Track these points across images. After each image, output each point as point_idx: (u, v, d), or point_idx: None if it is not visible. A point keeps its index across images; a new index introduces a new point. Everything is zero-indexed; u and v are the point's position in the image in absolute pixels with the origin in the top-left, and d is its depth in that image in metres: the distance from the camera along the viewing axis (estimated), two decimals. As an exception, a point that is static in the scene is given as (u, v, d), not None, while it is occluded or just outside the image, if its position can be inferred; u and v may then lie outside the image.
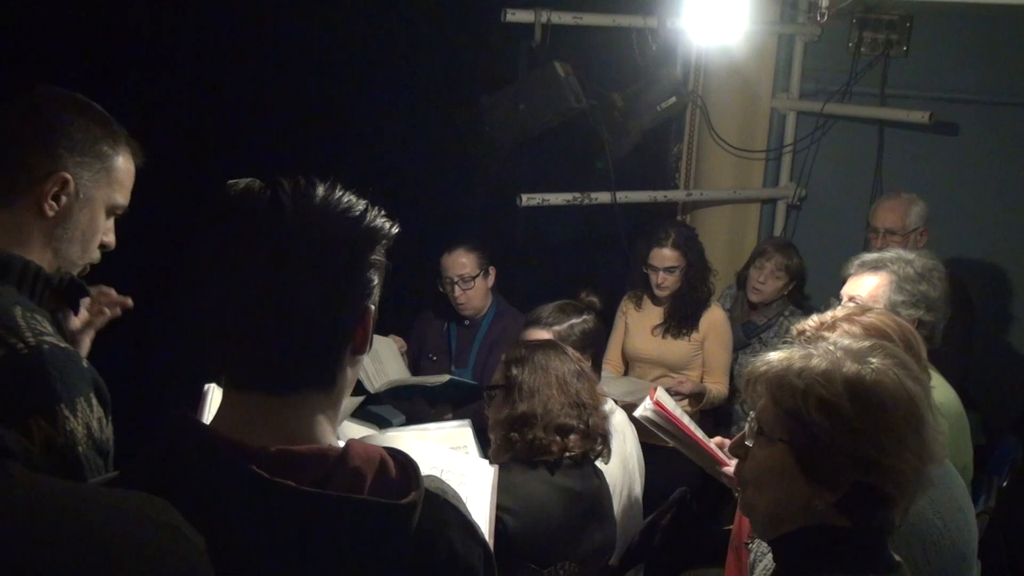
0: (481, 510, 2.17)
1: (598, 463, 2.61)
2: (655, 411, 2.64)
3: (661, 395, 2.72)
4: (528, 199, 4.37)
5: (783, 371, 1.51)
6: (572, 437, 2.47)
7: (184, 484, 1.09)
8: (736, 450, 1.62)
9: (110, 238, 1.69)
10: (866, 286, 2.70)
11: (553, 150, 4.55)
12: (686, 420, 2.72)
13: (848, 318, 2.12)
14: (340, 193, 1.16)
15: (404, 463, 1.18)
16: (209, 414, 1.19)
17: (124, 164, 1.66)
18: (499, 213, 4.59)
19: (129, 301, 1.92)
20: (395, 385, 3.62)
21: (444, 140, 4.53)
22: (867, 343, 1.54)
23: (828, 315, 2.18)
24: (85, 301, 1.75)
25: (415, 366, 4.07)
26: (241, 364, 1.15)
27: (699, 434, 2.65)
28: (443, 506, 1.21)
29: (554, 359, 2.55)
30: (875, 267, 2.72)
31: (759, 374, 1.55)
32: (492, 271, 4.03)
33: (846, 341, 1.54)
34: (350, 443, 1.17)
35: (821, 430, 1.45)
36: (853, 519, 1.48)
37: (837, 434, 1.44)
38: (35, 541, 0.88)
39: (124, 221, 1.73)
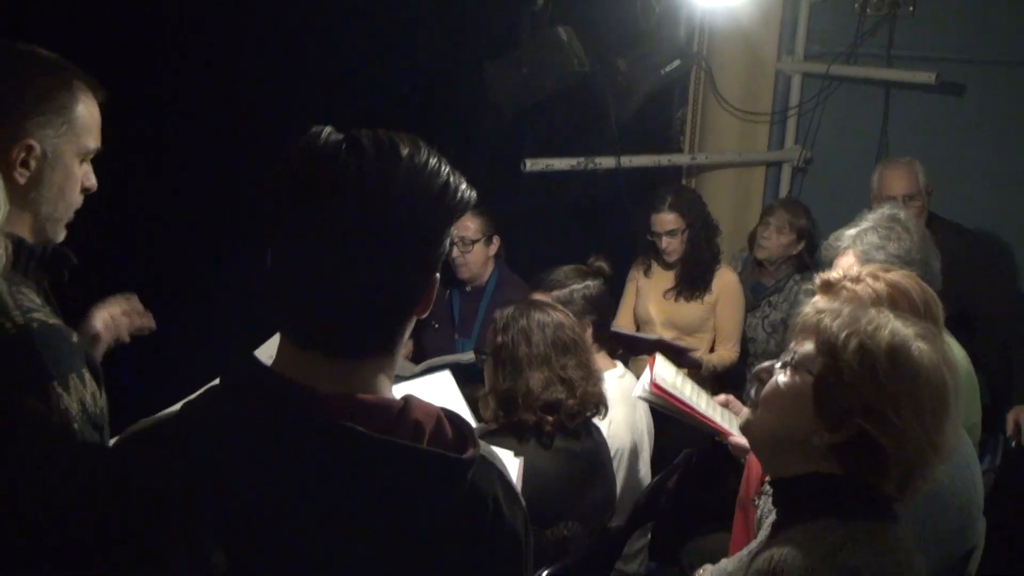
0: None
1: (596, 420, 2.62)
2: (652, 393, 2.65)
3: (659, 371, 2.71)
4: (532, 164, 4.36)
5: (833, 315, 1.56)
6: (563, 410, 2.45)
7: (252, 424, 1.12)
8: (761, 374, 1.65)
9: (91, 181, 1.65)
10: (841, 268, 2.71)
11: (557, 115, 4.53)
12: (688, 392, 2.71)
13: (873, 273, 2.13)
14: (425, 156, 1.14)
15: (459, 423, 1.21)
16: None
17: (85, 109, 1.60)
18: (503, 179, 4.58)
19: (152, 324, 1.91)
20: (429, 366, 3.61)
21: (447, 106, 4.51)
22: (919, 327, 1.56)
23: (854, 269, 2.20)
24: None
25: (418, 335, 4.07)
26: (307, 325, 1.15)
27: (700, 407, 2.65)
28: (491, 469, 1.24)
29: (536, 330, 2.49)
30: (842, 248, 2.74)
31: (810, 319, 1.59)
32: (496, 240, 4.01)
33: (900, 320, 1.56)
34: (410, 398, 1.19)
35: (849, 371, 1.49)
36: (845, 465, 1.51)
37: (862, 380, 1.48)
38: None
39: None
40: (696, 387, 2.83)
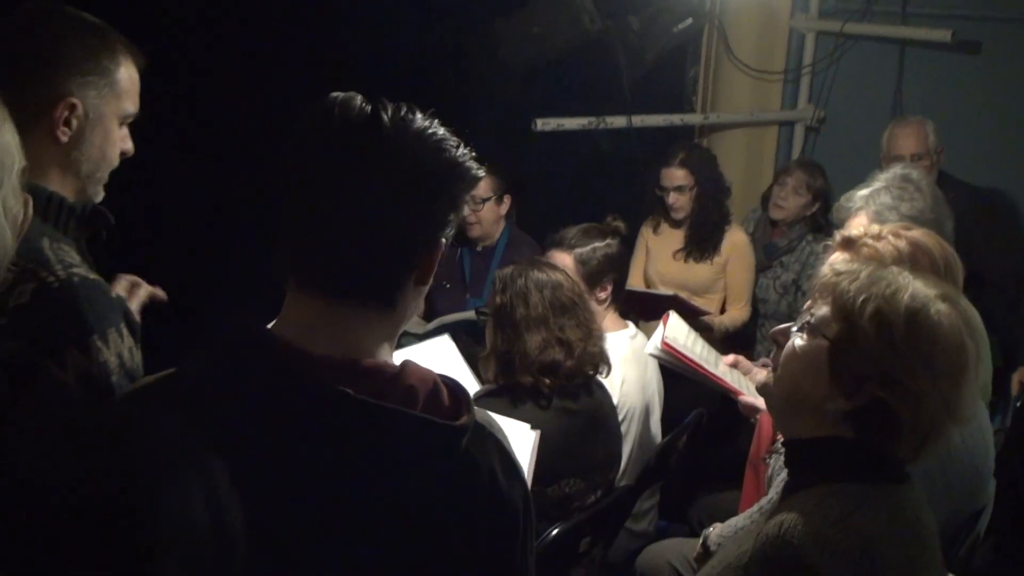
0: None
1: (606, 379, 2.62)
2: (663, 351, 2.66)
3: (671, 330, 2.71)
4: (543, 124, 4.34)
5: (851, 277, 1.53)
6: (561, 372, 2.45)
7: (240, 385, 1.12)
8: (778, 336, 1.64)
9: (127, 145, 1.69)
10: (854, 228, 2.70)
11: (568, 74, 4.50)
12: (699, 350, 2.72)
13: (895, 231, 2.12)
14: (438, 127, 1.19)
15: (457, 391, 1.21)
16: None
17: (126, 73, 1.64)
18: (513, 139, 4.56)
19: (162, 294, 1.95)
20: (443, 323, 3.62)
21: (458, 65, 4.48)
22: (941, 288, 1.53)
23: (874, 227, 2.19)
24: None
25: (429, 294, 4.06)
26: (309, 263, 1.17)
27: (709, 366, 2.67)
28: (489, 438, 1.24)
29: (534, 291, 2.48)
30: (854, 209, 2.73)
31: (827, 280, 1.57)
32: (507, 199, 3.99)
33: (920, 280, 1.53)
34: (407, 363, 1.20)
35: (865, 337, 1.46)
36: (859, 432, 1.50)
37: (878, 347, 1.45)
38: (45, 457, 0.90)
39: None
40: (707, 346, 2.84)
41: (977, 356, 1.49)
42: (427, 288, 1.26)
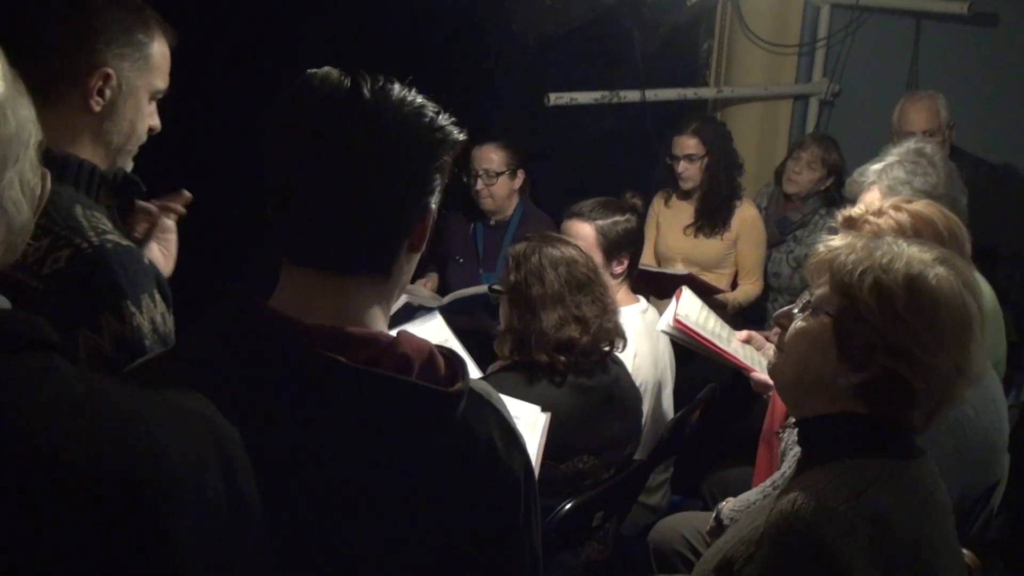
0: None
1: (619, 354, 2.62)
2: (675, 328, 2.66)
3: (683, 306, 2.70)
4: (556, 98, 4.32)
5: (846, 252, 1.53)
6: (577, 349, 2.44)
7: (235, 357, 1.13)
8: (781, 319, 1.64)
9: (155, 121, 1.70)
10: (866, 203, 2.69)
11: (581, 48, 4.48)
12: (711, 326, 2.72)
13: (895, 205, 2.11)
14: (416, 95, 1.19)
15: (452, 360, 1.21)
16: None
17: (159, 49, 1.66)
18: (526, 113, 4.54)
19: (186, 194, 1.90)
20: (457, 297, 3.61)
21: (471, 39, 4.46)
22: (935, 252, 1.53)
23: (876, 202, 2.18)
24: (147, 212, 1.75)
25: (443, 269, 4.08)
26: (301, 237, 1.18)
27: (721, 343, 2.66)
28: (487, 407, 1.24)
29: (549, 268, 2.46)
30: (867, 183, 2.71)
31: (822, 257, 1.57)
32: (521, 174, 3.97)
33: (915, 247, 1.53)
34: (401, 332, 1.20)
35: (867, 310, 1.47)
36: (872, 405, 1.50)
37: (881, 318, 1.46)
38: (66, 433, 0.89)
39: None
40: (720, 321, 2.83)
41: (981, 315, 1.49)
42: (419, 255, 1.26)
